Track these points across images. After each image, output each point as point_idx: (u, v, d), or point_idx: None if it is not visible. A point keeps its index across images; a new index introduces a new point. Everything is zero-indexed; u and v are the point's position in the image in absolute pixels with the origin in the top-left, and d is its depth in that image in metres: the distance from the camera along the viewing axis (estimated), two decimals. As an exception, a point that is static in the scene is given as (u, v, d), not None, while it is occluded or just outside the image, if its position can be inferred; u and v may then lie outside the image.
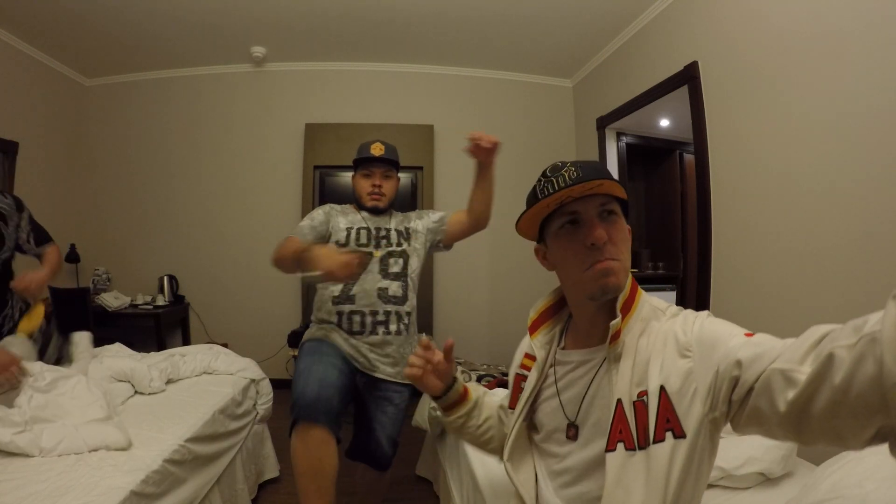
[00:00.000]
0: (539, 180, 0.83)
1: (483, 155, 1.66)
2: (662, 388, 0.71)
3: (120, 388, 1.93)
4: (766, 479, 1.44)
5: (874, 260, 1.65)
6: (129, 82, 3.97)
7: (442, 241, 1.83)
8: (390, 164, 1.78)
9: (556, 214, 0.81)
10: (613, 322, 0.76)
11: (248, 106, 3.98)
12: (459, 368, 2.59)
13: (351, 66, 3.96)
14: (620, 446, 0.73)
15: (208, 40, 3.49)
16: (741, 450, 1.42)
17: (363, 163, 1.77)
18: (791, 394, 0.55)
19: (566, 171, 0.79)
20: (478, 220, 1.79)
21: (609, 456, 0.73)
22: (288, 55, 3.81)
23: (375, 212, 1.77)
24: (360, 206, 1.79)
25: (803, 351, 0.56)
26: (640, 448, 0.71)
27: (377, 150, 1.75)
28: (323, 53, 3.78)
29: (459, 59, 3.87)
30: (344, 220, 1.75)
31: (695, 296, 2.62)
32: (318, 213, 1.78)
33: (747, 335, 0.68)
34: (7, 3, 2.83)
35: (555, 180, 0.79)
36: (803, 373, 0.55)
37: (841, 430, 0.53)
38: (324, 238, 1.73)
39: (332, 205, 1.84)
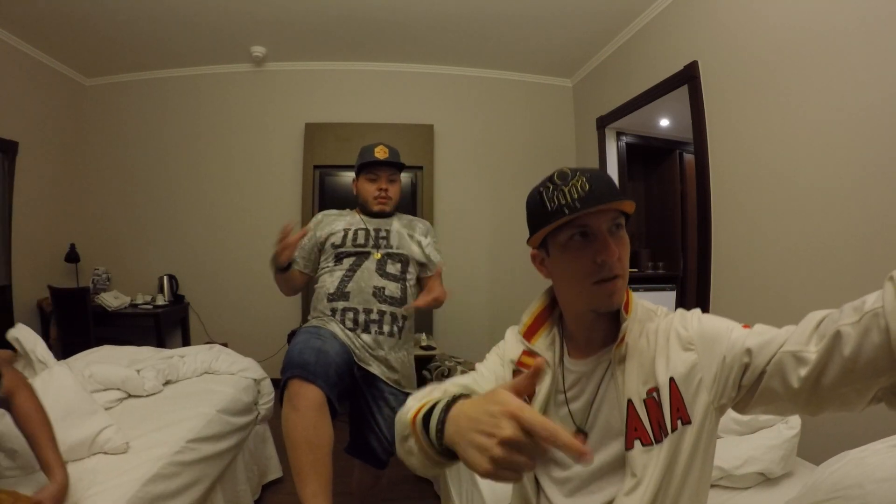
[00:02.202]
0: (547, 186, 0.80)
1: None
2: (672, 380, 0.76)
3: (110, 394, 1.90)
4: (766, 479, 1.44)
5: (874, 259, 1.65)
6: (129, 82, 3.97)
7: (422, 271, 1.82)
8: (395, 167, 1.77)
9: (566, 226, 0.79)
10: (624, 325, 0.79)
11: (248, 106, 3.98)
12: (459, 368, 2.59)
13: (351, 66, 3.96)
14: (637, 443, 0.76)
15: (208, 40, 3.49)
16: (741, 450, 1.42)
17: (368, 167, 1.75)
18: (804, 371, 0.63)
19: (577, 182, 0.78)
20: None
21: (629, 454, 0.76)
22: (288, 55, 3.80)
23: (381, 215, 1.77)
24: (366, 211, 1.78)
25: (807, 334, 0.64)
26: (657, 442, 0.75)
27: (381, 153, 1.73)
28: (323, 53, 3.78)
29: (459, 59, 3.87)
30: (341, 221, 1.75)
31: (695, 296, 2.62)
32: (308, 236, 1.79)
33: (745, 327, 0.75)
34: (7, 3, 2.83)
35: (565, 190, 0.78)
36: (812, 352, 0.63)
37: (848, 395, 0.61)
38: (317, 248, 1.77)
39: (329, 211, 1.83)
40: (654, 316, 0.84)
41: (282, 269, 1.69)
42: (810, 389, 0.63)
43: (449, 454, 0.63)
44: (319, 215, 1.82)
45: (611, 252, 0.76)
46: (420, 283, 1.80)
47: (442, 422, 0.63)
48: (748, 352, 0.69)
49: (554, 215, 0.78)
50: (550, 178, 0.81)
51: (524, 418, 0.51)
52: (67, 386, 1.56)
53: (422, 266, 1.79)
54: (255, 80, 3.97)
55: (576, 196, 0.77)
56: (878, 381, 0.58)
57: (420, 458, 0.70)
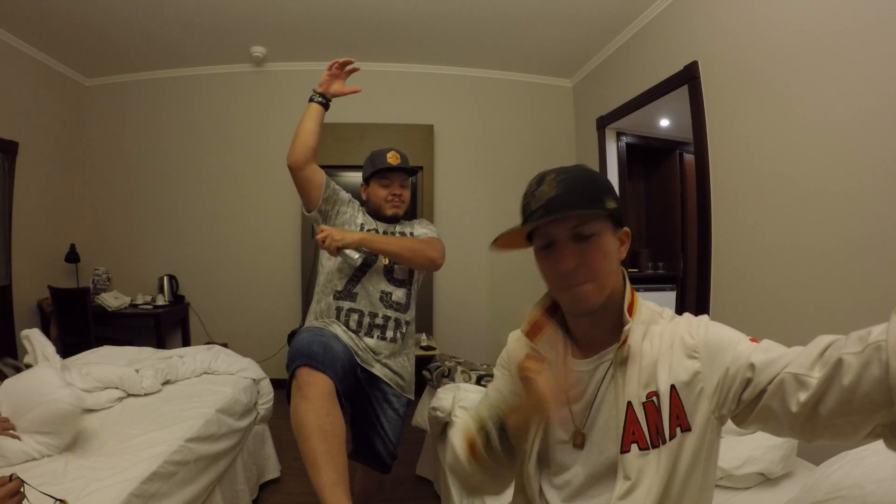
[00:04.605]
0: (529, 186, 0.82)
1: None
2: (673, 388, 0.75)
3: (109, 393, 1.90)
4: (766, 479, 1.44)
5: (873, 260, 1.65)
6: (129, 82, 3.97)
7: None
8: (407, 172, 1.75)
9: (536, 233, 0.81)
10: (627, 327, 0.78)
11: (248, 106, 3.98)
12: (460, 368, 2.59)
13: (351, 65, 3.96)
14: (634, 447, 0.75)
15: (208, 40, 3.49)
16: (741, 450, 1.42)
17: (381, 172, 1.73)
18: (803, 396, 0.62)
19: (546, 187, 0.78)
20: (425, 269, 1.73)
21: (624, 457, 0.75)
22: (288, 55, 3.81)
23: (391, 219, 1.75)
24: (377, 216, 1.76)
25: (812, 358, 0.63)
26: (654, 447, 0.74)
27: (394, 158, 1.71)
28: (323, 53, 3.77)
29: (459, 59, 3.87)
30: (361, 216, 1.74)
31: (695, 296, 2.62)
32: (342, 192, 1.74)
33: (752, 340, 0.73)
34: (7, 3, 2.83)
35: (537, 194, 0.79)
36: (814, 377, 0.61)
37: (843, 427, 0.60)
38: (335, 203, 1.71)
39: (356, 200, 1.80)
40: (658, 318, 0.83)
41: (325, 102, 1.66)
42: (807, 415, 0.62)
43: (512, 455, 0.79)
44: (351, 197, 1.78)
45: (564, 263, 0.77)
46: (418, 291, 1.78)
47: (503, 430, 0.77)
48: (752, 367, 0.68)
49: (526, 220, 0.80)
50: (530, 183, 0.82)
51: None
52: (40, 371, 1.61)
53: None
54: (255, 80, 3.97)
55: (542, 203, 0.77)
56: (875, 416, 0.57)
57: (491, 471, 0.81)
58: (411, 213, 3.86)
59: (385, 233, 1.72)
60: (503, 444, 0.75)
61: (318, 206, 1.67)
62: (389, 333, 1.63)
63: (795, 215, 1.97)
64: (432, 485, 2.34)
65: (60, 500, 1.10)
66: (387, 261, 1.66)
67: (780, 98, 2.04)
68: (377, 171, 1.72)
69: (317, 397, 1.28)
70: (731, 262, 2.35)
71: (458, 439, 0.83)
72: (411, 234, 1.76)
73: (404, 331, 1.68)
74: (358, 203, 1.79)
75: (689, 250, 3.68)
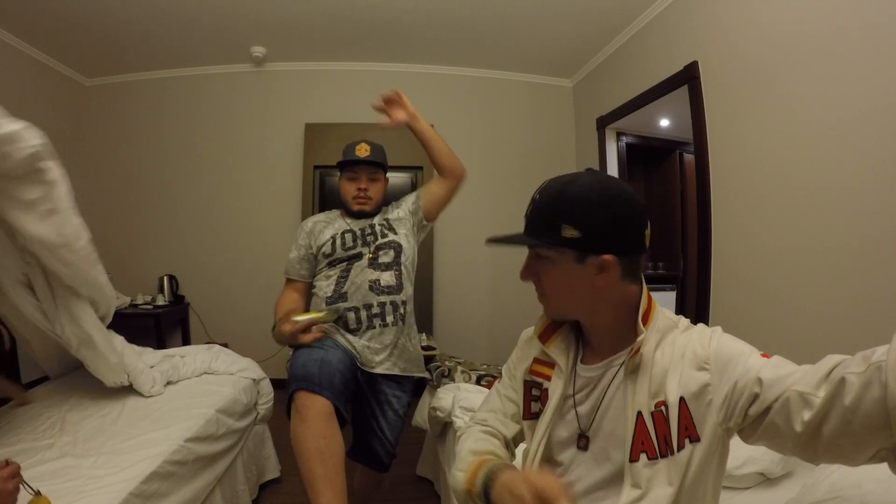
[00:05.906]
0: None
1: (394, 112, 1.68)
2: (682, 399, 0.75)
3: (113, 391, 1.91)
4: (766, 479, 1.44)
5: (873, 260, 1.65)
6: (129, 82, 3.97)
7: (424, 218, 1.79)
8: (376, 165, 1.73)
9: None
10: (640, 337, 0.78)
11: (248, 106, 3.98)
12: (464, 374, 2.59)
13: (351, 66, 3.96)
14: (643, 456, 0.75)
15: (208, 40, 3.49)
16: (741, 450, 1.41)
17: (348, 165, 1.72)
18: (807, 415, 0.62)
19: (531, 203, 0.84)
20: (451, 176, 1.76)
21: (633, 466, 0.76)
22: (288, 55, 3.81)
23: (361, 216, 1.74)
24: (347, 211, 1.75)
25: (819, 378, 0.63)
26: (663, 456, 0.75)
27: (362, 150, 1.71)
28: (323, 53, 3.78)
29: (459, 59, 3.87)
30: (329, 229, 1.73)
31: (695, 296, 2.62)
32: (301, 236, 1.76)
33: (763, 356, 0.74)
34: (7, 3, 2.83)
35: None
36: (819, 396, 0.62)
37: (846, 448, 0.60)
38: (314, 257, 1.73)
39: (317, 217, 1.80)
40: (673, 328, 0.83)
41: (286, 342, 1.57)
42: (810, 435, 0.62)
43: None
44: (309, 223, 1.78)
45: (523, 273, 0.88)
46: (413, 268, 1.77)
47: (488, 495, 0.77)
48: (760, 382, 0.69)
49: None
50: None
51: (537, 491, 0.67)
52: None
53: (419, 214, 1.78)
54: (255, 80, 3.97)
55: (525, 221, 0.85)
56: (875, 437, 0.57)
57: None
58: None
59: (362, 230, 1.71)
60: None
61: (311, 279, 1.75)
62: (389, 318, 1.62)
63: (795, 215, 1.97)
64: (432, 485, 2.34)
65: (37, 492, 1.11)
66: (370, 253, 1.66)
67: (780, 98, 2.04)
68: (344, 164, 1.73)
69: (314, 419, 1.30)
70: (731, 262, 2.35)
71: (459, 473, 0.86)
72: (387, 220, 1.75)
73: (403, 311, 1.66)
74: (322, 218, 1.79)
75: (689, 250, 3.68)
